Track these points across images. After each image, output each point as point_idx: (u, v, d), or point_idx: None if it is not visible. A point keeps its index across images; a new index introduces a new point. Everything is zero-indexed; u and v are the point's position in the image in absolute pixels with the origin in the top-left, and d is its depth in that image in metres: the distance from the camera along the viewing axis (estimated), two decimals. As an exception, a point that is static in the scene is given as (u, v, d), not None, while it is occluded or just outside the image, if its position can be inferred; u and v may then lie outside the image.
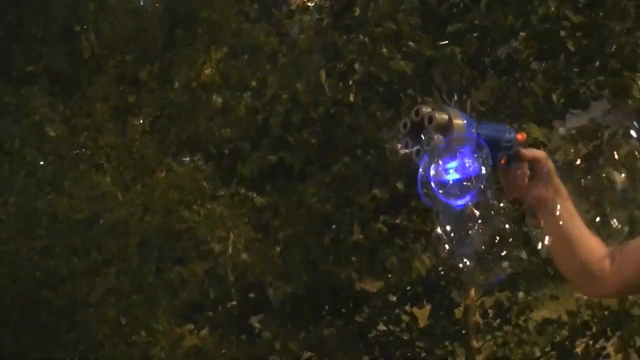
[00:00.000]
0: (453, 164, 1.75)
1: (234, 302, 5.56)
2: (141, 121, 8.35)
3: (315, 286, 5.22)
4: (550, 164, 1.91)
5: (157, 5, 9.43)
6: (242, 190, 6.06)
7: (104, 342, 7.27)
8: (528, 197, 1.92)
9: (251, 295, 5.55)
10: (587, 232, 1.98)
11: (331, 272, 5.24)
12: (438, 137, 1.73)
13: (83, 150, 7.10)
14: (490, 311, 6.00)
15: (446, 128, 1.75)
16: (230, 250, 5.38)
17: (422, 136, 1.75)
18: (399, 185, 5.16)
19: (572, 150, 4.96)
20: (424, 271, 5.12)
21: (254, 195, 5.80)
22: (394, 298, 5.70)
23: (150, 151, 7.21)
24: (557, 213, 1.93)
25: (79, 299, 7.01)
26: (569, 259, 1.98)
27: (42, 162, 7.10)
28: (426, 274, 5.29)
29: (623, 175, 4.94)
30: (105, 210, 6.50)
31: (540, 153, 1.92)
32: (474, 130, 1.78)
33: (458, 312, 5.91)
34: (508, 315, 6.02)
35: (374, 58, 4.88)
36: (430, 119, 1.75)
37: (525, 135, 1.92)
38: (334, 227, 5.34)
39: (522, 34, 5.08)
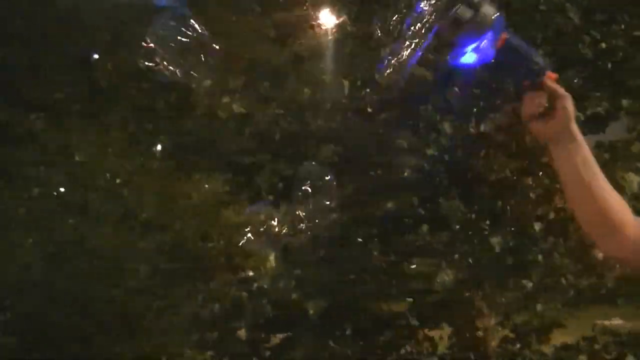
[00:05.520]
0: (472, 46, 1.69)
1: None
2: (159, 148, 8.40)
3: (337, 305, 5.24)
4: (570, 107, 1.87)
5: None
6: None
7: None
8: (541, 131, 1.87)
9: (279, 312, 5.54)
10: (607, 183, 1.90)
11: (353, 291, 5.27)
12: (465, 9, 1.66)
13: (107, 176, 7.11)
14: (510, 334, 6.00)
15: (477, 5, 1.68)
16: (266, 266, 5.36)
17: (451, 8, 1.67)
18: (414, 199, 5.18)
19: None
20: (446, 285, 5.11)
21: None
22: (415, 321, 5.71)
23: (170, 179, 7.22)
24: (571, 156, 1.87)
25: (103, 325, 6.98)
26: (585, 204, 1.89)
27: (62, 189, 7.13)
28: (446, 295, 5.31)
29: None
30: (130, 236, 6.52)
31: (563, 91, 1.87)
32: (502, 28, 1.72)
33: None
34: (528, 340, 6.02)
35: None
36: None
37: (557, 76, 1.87)
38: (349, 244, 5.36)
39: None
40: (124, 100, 9.00)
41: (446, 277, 5.12)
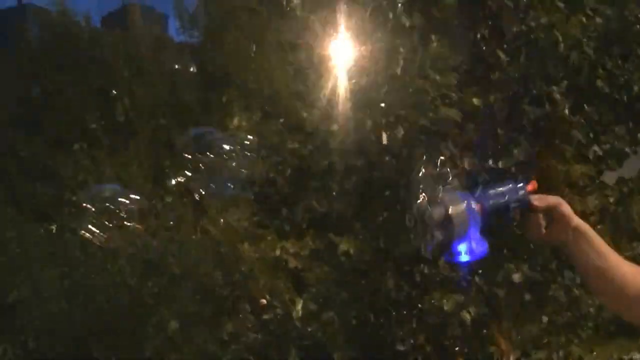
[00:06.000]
0: (463, 247, 1.79)
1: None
2: (174, 182, 8.42)
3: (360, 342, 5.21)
4: (566, 209, 1.94)
5: (192, 69, 9.61)
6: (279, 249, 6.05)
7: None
8: (548, 242, 1.97)
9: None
10: (621, 262, 1.97)
11: (373, 325, 5.23)
12: (440, 234, 1.75)
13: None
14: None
15: (446, 221, 1.76)
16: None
17: (426, 233, 1.75)
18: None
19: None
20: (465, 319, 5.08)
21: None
22: (435, 356, 5.65)
23: (188, 214, 7.25)
24: (581, 253, 1.94)
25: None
26: (603, 287, 1.97)
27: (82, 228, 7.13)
28: (465, 329, 5.27)
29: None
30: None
31: (553, 200, 1.95)
32: (475, 206, 1.81)
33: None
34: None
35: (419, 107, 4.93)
36: (429, 218, 1.75)
37: (536, 184, 1.95)
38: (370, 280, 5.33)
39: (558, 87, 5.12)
40: (142, 135, 9.10)
41: (466, 313, 5.09)
